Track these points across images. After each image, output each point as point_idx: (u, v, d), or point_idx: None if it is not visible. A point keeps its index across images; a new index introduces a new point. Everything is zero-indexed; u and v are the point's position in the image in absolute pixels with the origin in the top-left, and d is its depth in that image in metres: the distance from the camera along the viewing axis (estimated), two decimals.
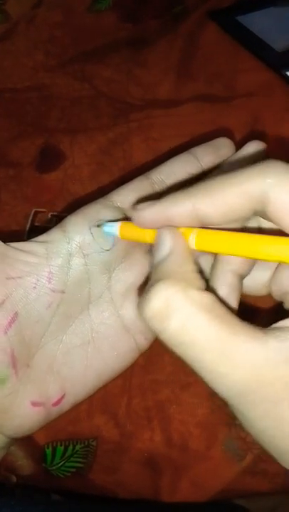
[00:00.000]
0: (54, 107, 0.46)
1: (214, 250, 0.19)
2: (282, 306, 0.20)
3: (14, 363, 0.22)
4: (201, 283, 0.17)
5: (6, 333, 0.21)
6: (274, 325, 0.16)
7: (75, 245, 0.23)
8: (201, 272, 0.20)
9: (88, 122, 0.45)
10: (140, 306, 0.17)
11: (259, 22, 0.50)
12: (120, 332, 0.24)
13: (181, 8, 0.52)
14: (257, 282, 0.21)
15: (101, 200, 0.25)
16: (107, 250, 0.24)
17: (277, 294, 0.20)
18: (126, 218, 0.24)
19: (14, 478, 0.33)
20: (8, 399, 0.22)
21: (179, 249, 0.18)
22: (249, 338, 0.15)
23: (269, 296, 0.21)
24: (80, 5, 0.54)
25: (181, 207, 0.18)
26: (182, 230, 0.19)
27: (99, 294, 0.24)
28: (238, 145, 0.26)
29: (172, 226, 0.19)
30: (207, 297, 0.16)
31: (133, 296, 0.25)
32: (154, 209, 0.19)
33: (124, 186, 0.25)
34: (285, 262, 0.17)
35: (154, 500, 0.32)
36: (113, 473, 0.33)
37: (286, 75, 0.45)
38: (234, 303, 0.20)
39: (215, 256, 0.21)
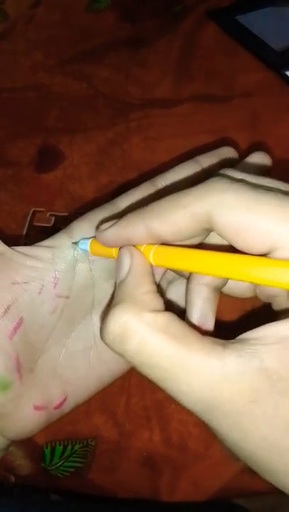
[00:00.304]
0: (53, 106, 0.46)
1: (170, 266, 0.20)
2: (271, 308, 0.20)
3: (19, 368, 0.22)
4: (157, 304, 0.18)
5: (11, 338, 0.21)
6: (238, 337, 0.16)
7: (80, 251, 0.23)
8: (160, 290, 0.20)
9: (87, 122, 0.45)
10: (101, 331, 0.17)
11: (258, 22, 0.50)
12: None
13: (180, 8, 0.52)
14: (242, 285, 0.21)
15: (107, 206, 0.25)
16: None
17: (262, 297, 0.20)
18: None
19: (13, 478, 0.33)
20: (11, 403, 0.22)
21: (136, 270, 0.19)
22: (207, 354, 0.15)
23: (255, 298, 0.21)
24: (79, 4, 0.53)
25: (136, 227, 0.19)
26: (144, 247, 0.20)
27: (102, 300, 0.24)
28: (237, 147, 0.26)
29: (132, 245, 0.20)
30: (162, 318, 0.17)
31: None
32: (113, 230, 0.20)
33: (130, 192, 0.25)
34: (233, 279, 0.17)
35: (153, 499, 0.32)
36: (112, 472, 0.33)
37: (285, 74, 0.45)
38: (211, 316, 0.20)
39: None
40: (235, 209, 0.16)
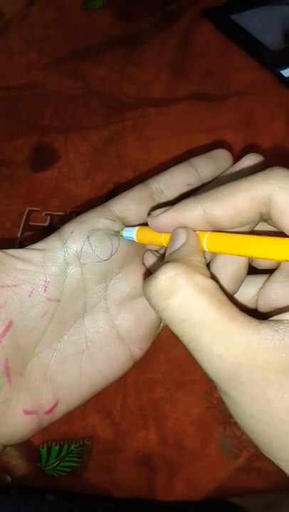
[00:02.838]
0: (47, 105, 0.46)
1: (223, 251, 0.20)
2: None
3: (7, 372, 0.22)
4: (206, 271, 0.19)
5: (0, 341, 0.21)
6: (271, 318, 0.17)
7: (72, 254, 0.23)
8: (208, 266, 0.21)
9: (82, 121, 0.45)
10: (146, 283, 0.18)
11: (253, 20, 0.50)
12: (115, 342, 0.24)
13: (175, 7, 0.52)
14: (244, 297, 0.22)
15: (99, 209, 0.25)
16: (105, 260, 0.24)
17: (263, 309, 0.21)
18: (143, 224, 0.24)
19: (9, 479, 0.33)
20: (0, 407, 0.22)
21: (191, 242, 0.20)
22: (245, 324, 0.16)
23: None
24: (74, 3, 0.53)
25: (193, 212, 0.20)
26: (196, 233, 0.20)
27: (94, 303, 0.24)
28: (232, 147, 0.26)
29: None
30: (210, 282, 0.18)
31: (129, 305, 0.25)
32: (167, 214, 0.20)
33: (122, 195, 0.25)
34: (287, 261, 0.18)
35: (150, 499, 0.32)
36: (108, 472, 0.33)
37: (280, 73, 0.45)
38: None
39: None
40: None
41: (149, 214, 0.22)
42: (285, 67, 0.45)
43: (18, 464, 0.33)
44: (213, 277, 0.20)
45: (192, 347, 0.17)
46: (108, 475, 0.33)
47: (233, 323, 0.16)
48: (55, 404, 0.23)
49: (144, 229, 0.23)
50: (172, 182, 0.26)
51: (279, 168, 0.18)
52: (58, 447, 0.33)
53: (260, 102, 0.44)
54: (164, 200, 0.26)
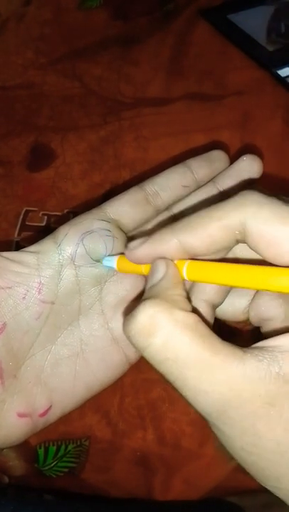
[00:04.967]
0: (44, 105, 0.46)
1: (204, 280, 0.20)
2: (260, 331, 0.21)
3: (0, 374, 0.22)
4: (186, 305, 0.18)
5: None
6: (254, 345, 0.17)
7: (66, 256, 0.23)
8: (188, 298, 0.20)
9: (79, 120, 0.45)
10: (126, 322, 0.18)
11: (250, 20, 0.50)
12: (110, 344, 0.24)
13: (172, 6, 0.52)
14: (235, 308, 0.22)
15: (94, 211, 0.25)
16: (99, 261, 0.24)
17: (255, 320, 0.21)
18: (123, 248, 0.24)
19: (6, 479, 0.33)
20: None
21: (170, 275, 0.19)
22: (229, 356, 0.16)
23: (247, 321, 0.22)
24: (70, 2, 0.53)
25: (168, 242, 0.19)
26: (175, 262, 0.20)
27: (89, 306, 0.24)
28: (229, 147, 0.26)
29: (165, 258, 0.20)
30: (191, 317, 0.17)
31: (124, 308, 0.25)
32: (144, 247, 0.20)
33: (117, 197, 0.25)
34: (269, 291, 0.17)
35: (147, 498, 0.32)
36: (106, 472, 0.33)
37: (276, 73, 0.45)
38: None
39: (190, 286, 0.22)
40: (270, 221, 0.17)
41: (126, 246, 0.22)
42: (282, 66, 0.45)
43: (16, 464, 0.33)
44: (194, 310, 0.20)
45: (178, 385, 0.17)
46: (106, 475, 0.33)
47: (217, 357, 0.16)
48: (50, 407, 0.23)
49: (124, 258, 0.22)
50: (168, 184, 0.26)
51: (252, 194, 0.18)
52: (55, 447, 0.33)
53: (257, 101, 0.44)
54: (159, 202, 0.26)
